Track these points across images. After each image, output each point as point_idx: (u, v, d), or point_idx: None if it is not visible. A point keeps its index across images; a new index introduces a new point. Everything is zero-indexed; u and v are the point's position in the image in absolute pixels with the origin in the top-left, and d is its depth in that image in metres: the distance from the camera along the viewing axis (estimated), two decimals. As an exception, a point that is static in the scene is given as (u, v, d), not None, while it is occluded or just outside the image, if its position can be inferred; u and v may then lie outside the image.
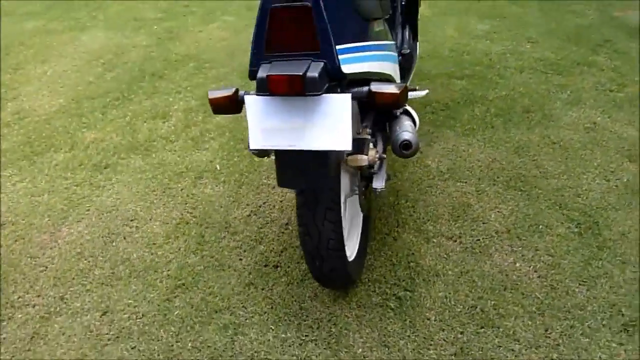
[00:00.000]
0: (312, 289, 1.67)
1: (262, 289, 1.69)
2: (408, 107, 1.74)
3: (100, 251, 1.88)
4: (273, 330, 1.56)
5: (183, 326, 1.58)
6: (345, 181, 1.53)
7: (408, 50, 2.03)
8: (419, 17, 2.25)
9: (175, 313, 1.63)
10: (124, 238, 1.93)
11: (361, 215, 1.76)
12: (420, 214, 1.94)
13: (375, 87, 1.15)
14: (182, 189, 2.15)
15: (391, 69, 1.55)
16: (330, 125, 1.12)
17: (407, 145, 1.47)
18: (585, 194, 1.99)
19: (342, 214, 1.52)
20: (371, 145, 1.55)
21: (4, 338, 1.60)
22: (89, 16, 4.14)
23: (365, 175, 1.56)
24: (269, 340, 1.53)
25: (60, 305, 1.69)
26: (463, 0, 4.04)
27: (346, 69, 1.12)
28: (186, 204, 2.07)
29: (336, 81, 1.12)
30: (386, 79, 1.51)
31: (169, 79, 3.08)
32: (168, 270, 1.78)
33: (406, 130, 1.52)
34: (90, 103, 2.85)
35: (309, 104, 1.11)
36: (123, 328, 1.59)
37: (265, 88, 1.06)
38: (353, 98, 1.11)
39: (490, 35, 3.40)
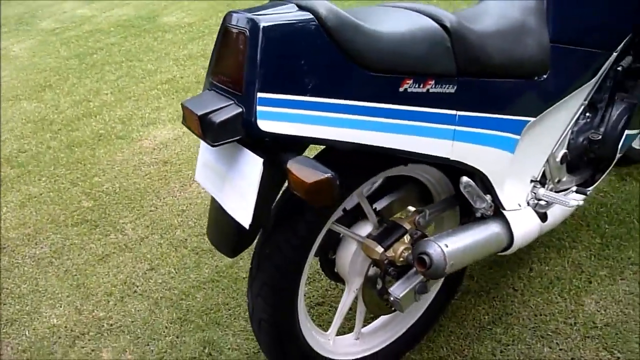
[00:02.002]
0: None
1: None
2: (511, 212, 1.17)
3: (193, 219, 1.97)
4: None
5: (169, 334, 1.54)
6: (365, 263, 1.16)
7: (599, 136, 1.32)
8: None
9: (161, 324, 1.58)
10: (218, 216, 1.97)
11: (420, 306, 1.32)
12: (505, 360, 1.33)
13: (294, 163, 0.81)
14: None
15: (464, 154, 1.04)
16: (238, 188, 0.89)
17: (422, 261, 1.02)
18: None
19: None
20: (407, 237, 1.12)
21: (78, 255, 1.86)
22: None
23: (383, 271, 1.13)
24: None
25: (128, 247, 1.86)
26: None
27: (269, 126, 0.82)
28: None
29: (255, 138, 0.84)
30: (448, 166, 1.05)
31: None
32: (208, 272, 1.72)
33: (445, 240, 1.04)
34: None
35: (235, 152, 0.90)
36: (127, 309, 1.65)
37: (184, 118, 0.90)
38: (269, 165, 0.84)
39: None
